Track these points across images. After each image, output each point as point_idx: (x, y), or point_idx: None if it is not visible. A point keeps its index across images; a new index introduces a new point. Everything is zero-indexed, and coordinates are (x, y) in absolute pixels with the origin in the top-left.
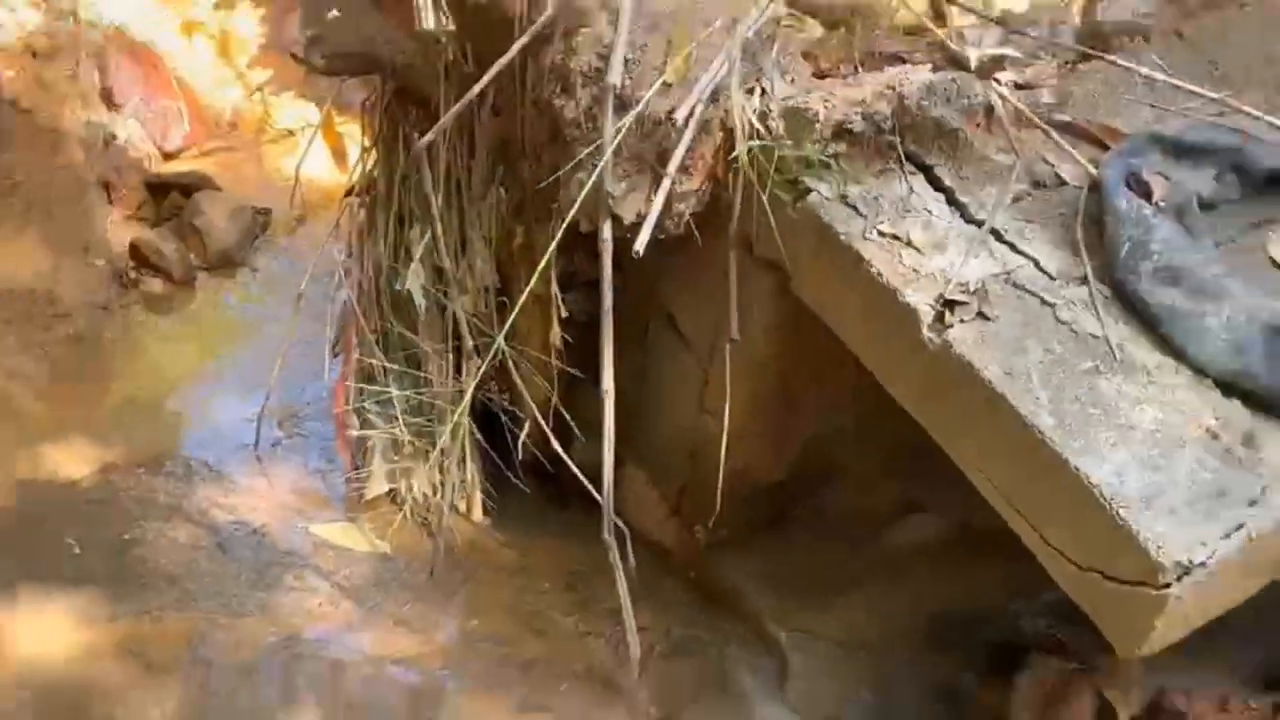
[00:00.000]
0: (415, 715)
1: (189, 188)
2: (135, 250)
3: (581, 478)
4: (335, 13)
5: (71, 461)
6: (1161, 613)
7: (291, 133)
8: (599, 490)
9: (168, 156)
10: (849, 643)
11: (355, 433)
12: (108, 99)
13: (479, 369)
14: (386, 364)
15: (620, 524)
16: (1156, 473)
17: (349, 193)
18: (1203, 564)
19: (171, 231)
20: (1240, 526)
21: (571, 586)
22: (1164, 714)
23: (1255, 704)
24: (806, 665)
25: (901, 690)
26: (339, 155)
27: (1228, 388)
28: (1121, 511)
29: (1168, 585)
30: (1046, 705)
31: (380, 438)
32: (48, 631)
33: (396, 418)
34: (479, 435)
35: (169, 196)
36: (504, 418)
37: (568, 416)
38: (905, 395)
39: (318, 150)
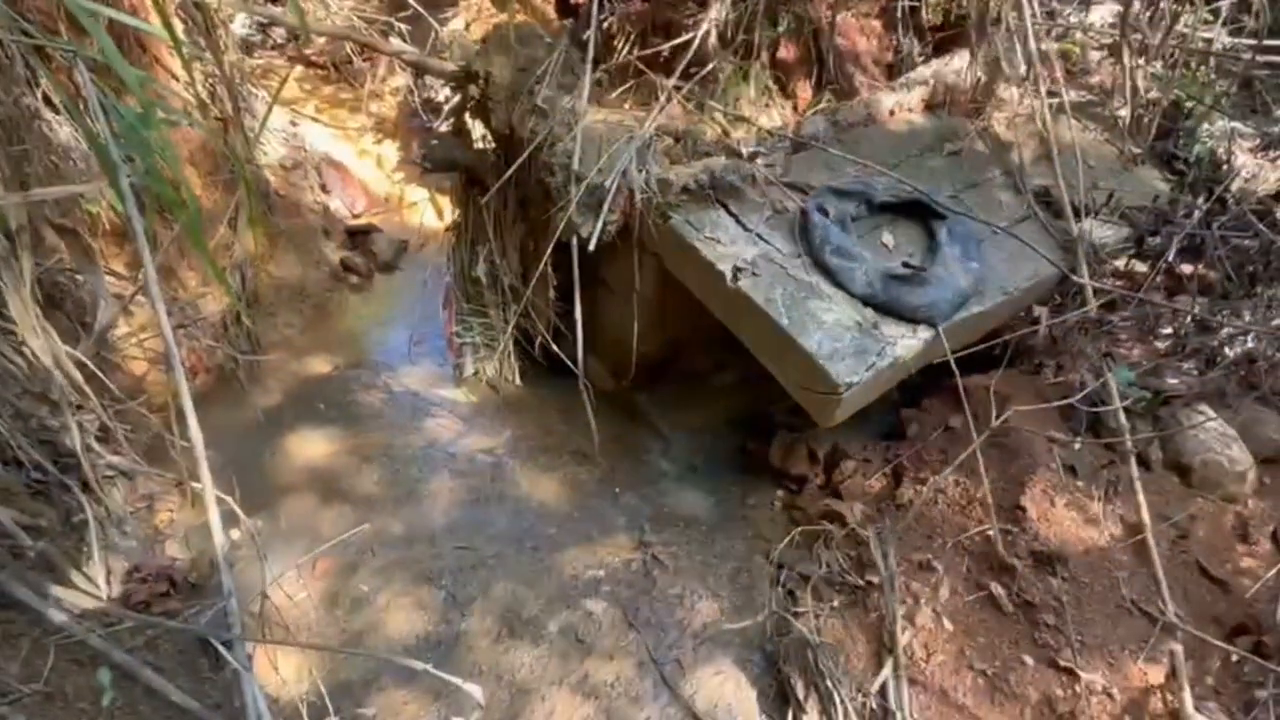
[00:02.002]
0: (494, 476)
1: (367, 231)
2: (343, 263)
3: (568, 361)
4: (434, 141)
5: (319, 365)
6: (839, 406)
7: (415, 203)
8: (577, 367)
9: (355, 217)
10: (696, 429)
11: (456, 343)
12: (323, 189)
13: (516, 311)
14: (469, 311)
15: (587, 383)
16: (835, 342)
17: (447, 229)
18: (856, 383)
19: (360, 253)
20: (871, 365)
21: (564, 412)
22: (838, 452)
23: (877, 446)
24: (676, 441)
25: (719, 450)
26: (439, 213)
27: (866, 303)
28: (820, 361)
29: (841, 393)
30: (785, 453)
31: (468, 347)
32: (313, 446)
33: (476, 336)
34: (521, 340)
35: (356, 235)
36: (530, 330)
37: (564, 330)
38: (719, 312)
39: (429, 210)
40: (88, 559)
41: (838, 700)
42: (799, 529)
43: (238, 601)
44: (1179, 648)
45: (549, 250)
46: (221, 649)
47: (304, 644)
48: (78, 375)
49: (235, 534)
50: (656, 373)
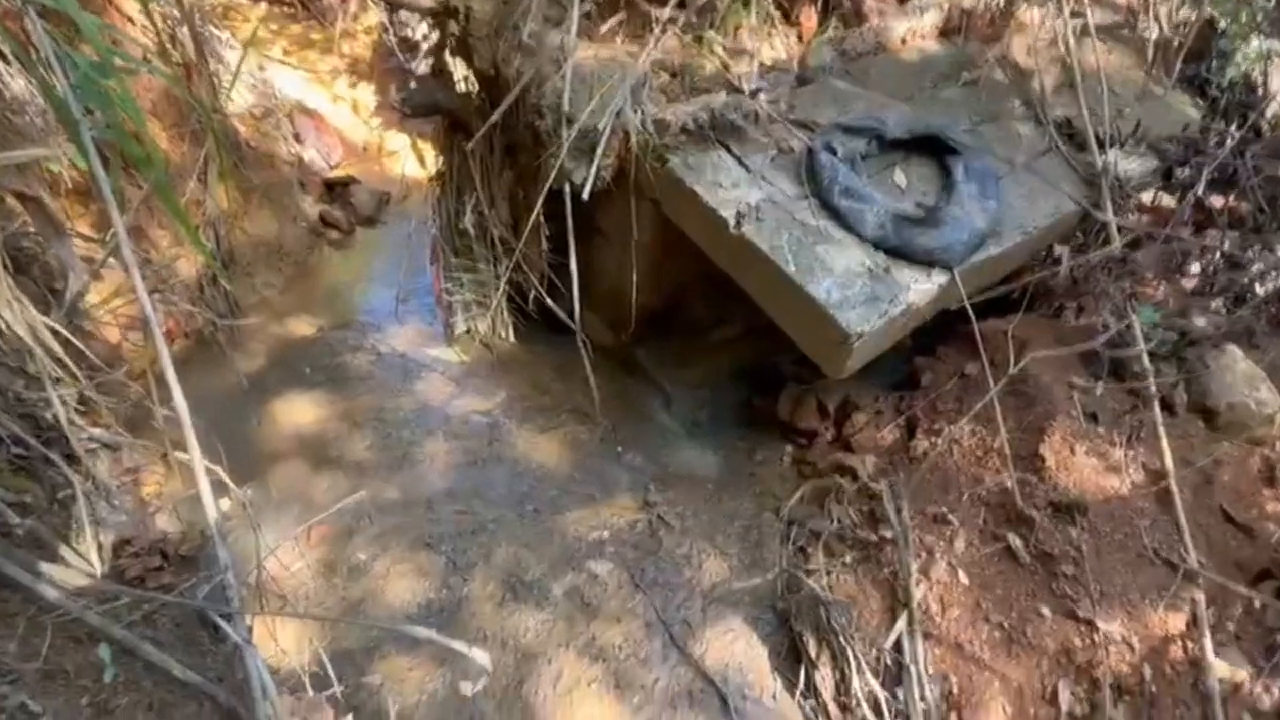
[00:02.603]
0: (490, 437)
1: (346, 183)
2: (322, 217)
3: (564, 316)
4: (413, 84)
5: (302, 327)
6: (850, 356)
7: (395, 151)
8: (573, 322)
9: (332, 168)
10: (700, 384)
11: (446, 299)
12: (297, 139)
13: (507, 265)
14: (458, 265)
15: (584, 338)
16: (845, 289)
17: (431, 179)
18: (868, 332)
19: (339, 206)
20: (883, 313)
21: (560, 370)
22: (849, 404)
23: (890, 397)
24: (679, 397)
25: (724, 405)
26: (422, 161)
27: (877, 246)
28: (829, 309)
29: (853, 343)
30: (793, 406)
31: (458, 303)
32: (300, 412)
33: (466, 292)
34: (514, 295)
35: (335, 188)
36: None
37: (558, 283)
38: (721, 260)
39: (410, 159)
40: (78, 534)
41: (851, 656)
42: (809, 484)
43: (234, 573)
44: (1200, 595)
45: (540, 199)
46: (221, 623)
47: (305, 614)
48: (55, 345)
49: (226, 504)
50: (657, 325)
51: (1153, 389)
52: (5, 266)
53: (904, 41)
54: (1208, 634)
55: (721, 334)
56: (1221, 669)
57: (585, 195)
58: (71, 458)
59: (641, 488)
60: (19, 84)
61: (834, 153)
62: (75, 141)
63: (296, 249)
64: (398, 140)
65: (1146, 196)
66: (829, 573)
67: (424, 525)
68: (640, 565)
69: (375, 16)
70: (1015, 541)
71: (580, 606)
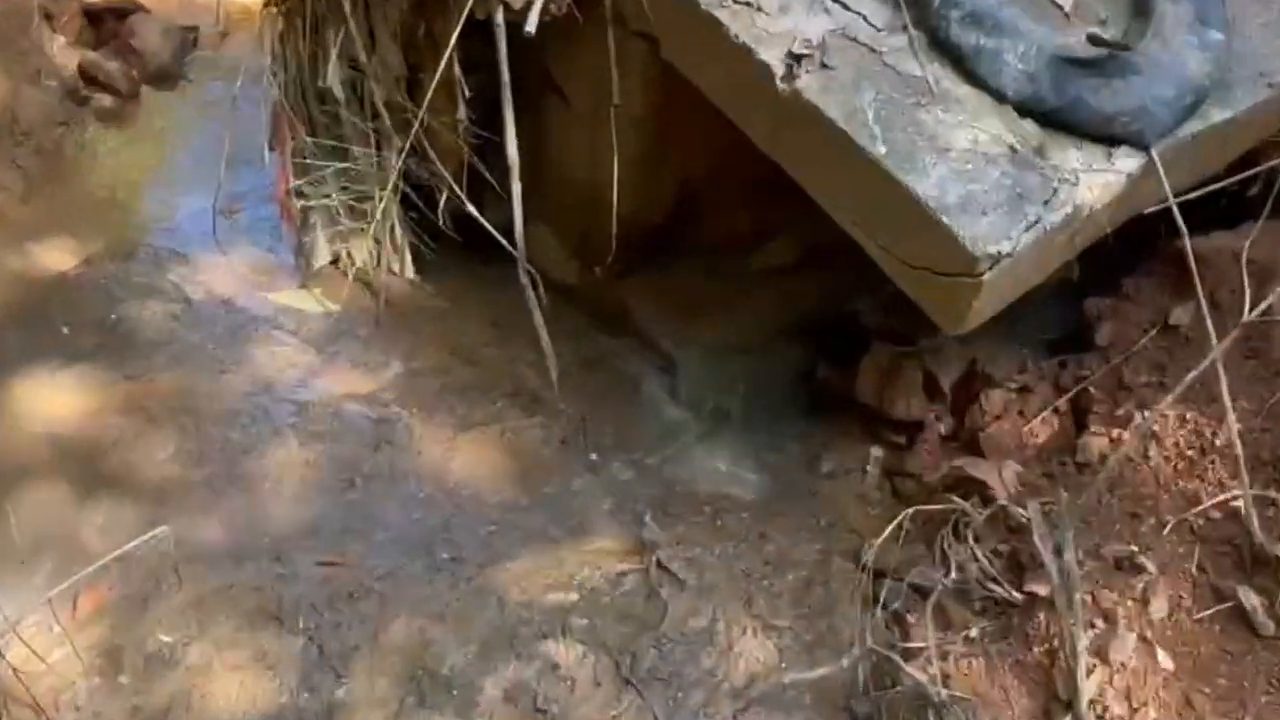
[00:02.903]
0: (375, 440)
1: (122, 12)
2: (83, 71)
3: (496, 234)
4: None
5: (56, 255)
6: (977, 296)
7: None
8: (512, 243)
9: None
10: (723, 347)
11: (298, 208)
12: None
13: (401, 148)
14: (317, 150)
15: (531, 270)
16: (970, 183)
17: (268, 4)
18: (1009, 254)
19: (113, 53)
20: (1037, 221)
21: (495, 324)
22: (977, 379)
23: (1044, 365)
24: (692, 368)
25: (768, 380)
26: None
27: (1022, 110)
28: (944, 218)
29: (982, 274)
30: (883, 381)
31: (320, 214)
32: (58, 399)
33: (331, 195)
34: (413, 198)
35: (105, 22)
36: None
37: (489, 178)
38: (761, 137)
39: None
40: None
41: None
42: (909, 510)
43: None
44: None
45: (454, 37)
46: None
47: None
48: None
49: None
50: (653, 249)
51: None
52: None
53: None
54: None
55: (762, 262)
56: None
57: (531, 28)
58: None
59: (631, 519)
60: None
61: None
62: None
63: (42, 126)
64: None
65: None
66: (944, 655)
67: (269, 585)
68: (629, 647)
69: None
70: (1251, 600)
71: (531, 717)
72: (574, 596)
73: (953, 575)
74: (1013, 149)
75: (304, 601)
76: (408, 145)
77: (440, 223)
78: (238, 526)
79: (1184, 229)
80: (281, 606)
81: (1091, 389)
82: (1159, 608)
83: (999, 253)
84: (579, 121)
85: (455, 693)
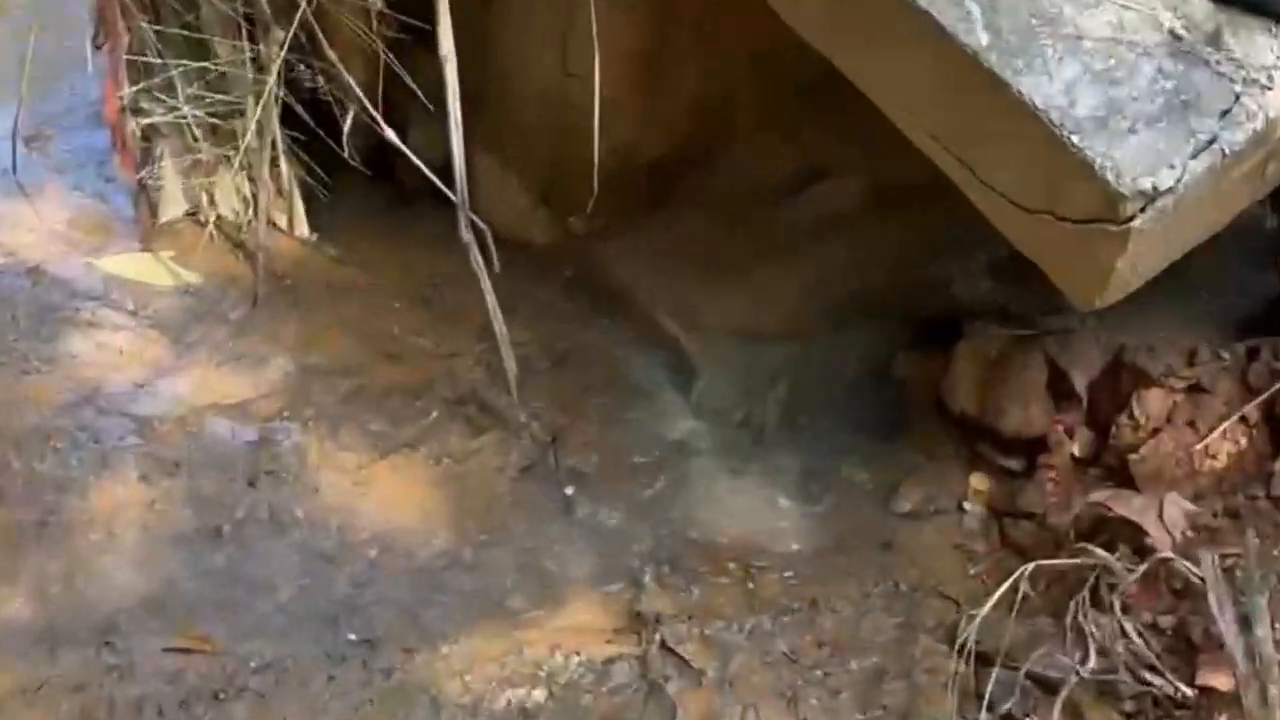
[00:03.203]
0: (252, 470)
1: None
2: None
3: (425, 169)
4: None
5: None
6: (1123, 252)
7: None
8: (449, 183)
9: None
10: (756, 332)
11: (135, 131)
12: None
13: (282, 41)
14: (163, 45)
15: (478, 221)
16: (1112, 87)
17: None
18: (1169, 189)
19: None
20: (1212, 141)
21: (427, 301)
22: (1125, 373)
23: (1225, 354)
24: (712, 363)
25: (820, 380)
26: None
27: None
28: (1073, 137)
29: (1130, 218)
30: (989, 377)
31: (169, 140)
32: None
33: (185, 116)
34: (303, 117)
35: None
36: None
37: (414, 88)
38: (812, 27)
39: None
40: None
41: None
42: (1026, 566)
43: None
44: None
45: None
46: None
47: None
48: None
49: None
50: (655, 195)
51: None
52: None
53: None
54: None
55: (810, 211)
56: None
57: None
58: None
59: (623, 581)
60: None
61: None
62: None
63: None
64: None
65: None
66: None
67: (96, 683)
68: None
69: None
70: None
71: None
72: (540, 695)
73: (1092, 662)
74: (1175, 36)
75: (147, 704)
76: (284, 41)
77: (346, 155)
78: (51, 598)
79: None
80: (114, 712)
81: None
82: None
83: (1155, 188)
84: (546, 7)
85: None
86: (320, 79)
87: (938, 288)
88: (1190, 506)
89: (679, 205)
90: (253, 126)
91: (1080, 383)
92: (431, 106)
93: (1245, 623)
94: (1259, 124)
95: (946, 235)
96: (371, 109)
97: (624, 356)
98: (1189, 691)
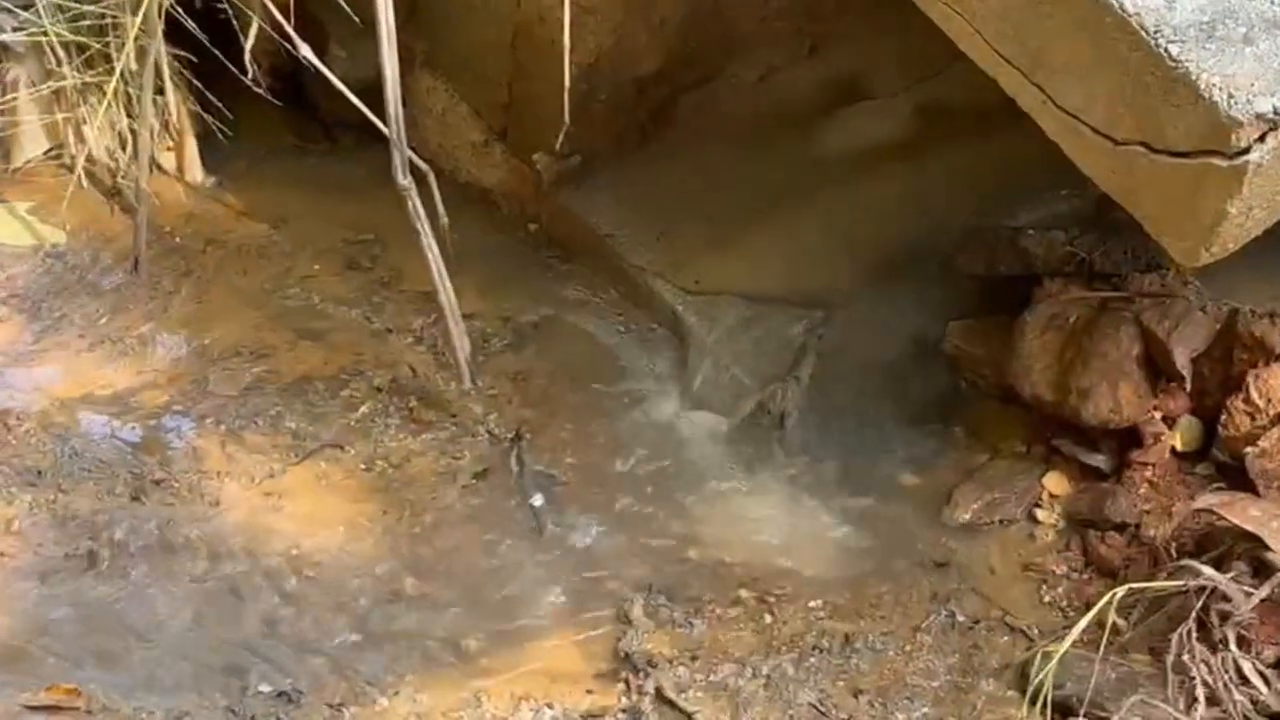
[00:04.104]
0: (135, 480)
1: None
2: None
3: (349, 95)
4: None
5: None
6: (1236, 192)
7: None
8: (380, 114)
9: None
10: (773, 297)
11: None
12: None
13: None
14: None
15: (418, 161)
16: None
17: None
18: None
19: None
20: None
21: (354, 263)
22: (1238, 347)
23: None
24: (715, 336)
25: (854, 355)
26: None
27: None
28: (1171, 48)
29: (1244, 150)
30: (1068, 353)
31: (24, 61)
32: None
33: (45, 32)
34: (196, 33)
35: None
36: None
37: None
38: None
39: None
40: None
41: None
42: (1116, 590)
43: None
44: None
45: None
46: None
47: None
48: None
49: None
50: (643, 123)
51: None
52: None
53: None
54: None
55: (841, 142)
56: None
57: None
58: None
59: (605, 614)
60: None
61: None
62: None
63: None
64: None
65: None
66: None
67: None
68: None
69: None
70: None
71: None
72: None
73: (1201, 711)
74: None
75: None
76: None
77: (249, 79)
78: None
79: None
80: None
81: None
82: None
83: (1276, 111)
84: None
85: None
86: None
87: (1002, 240)
88: None
89: (672, 138)
90: (130, 45)
91: (1183, 359)
92: (357, 18)
93: None
94: None
95: (1013, 174)
96: (281, 19)
97: (605, 331)
98: None
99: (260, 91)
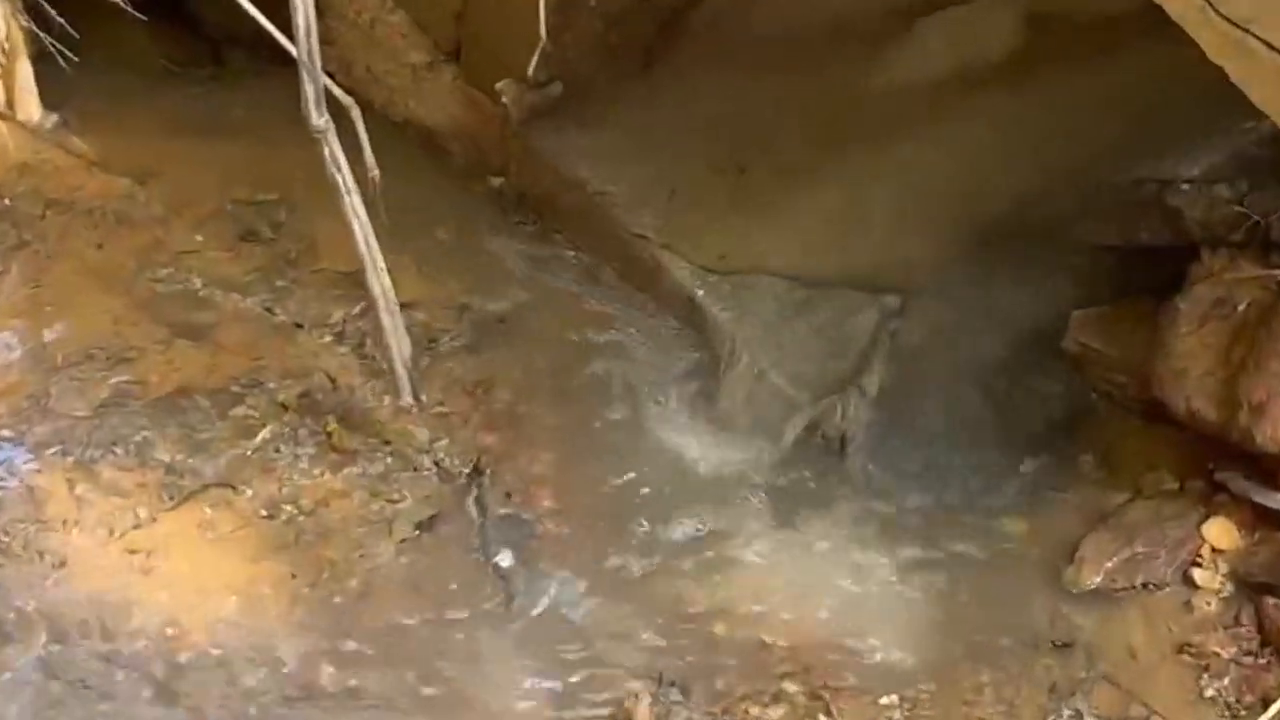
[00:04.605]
0: None
1: None
2: None
3: (244, 2)
4: None
5: None
6: None
7: None
8: (284, 27)
9: None
10: (827, 279)
11: None
12: None
13: None
14: None
15: (338, 91)
16: None
17: None
18: None
19: None
20: None
21: (250, 233)
22: None
23: None
24: (748, 332)
25: (939, 357)
26: None
27: None
28: None
29: None
30: (1237, 345)
31: None
32: None
33: None
34: None
35: None
36: None
37: None
38: None
39: None
40: None
41: None
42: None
43: None
44: None
45: None
46: None
47: None
48: None
49: None
50: (642, 43)
51: None
52: None
53: None
54: None
55: (924, 61)
56: None
57: None
58: None
59: (602, 710)
60: None
61: None
62: None
63: None
64: None
65: None
66: None
67: None
68: None
69: None
70: None
71: None
72: None
73: None
74: None
75: None
76: None
77: None
78: None
79: None
80: None
81: None
82: None
83: None
84: None
85: None
86: None
87: (1143, 198)
88: None
89: (687, 61)
90: None
91: None
92: None
93: None
94: None
95: (1156, 107)
96: None
97: (595, 325)
98: None
99: (119, 2)
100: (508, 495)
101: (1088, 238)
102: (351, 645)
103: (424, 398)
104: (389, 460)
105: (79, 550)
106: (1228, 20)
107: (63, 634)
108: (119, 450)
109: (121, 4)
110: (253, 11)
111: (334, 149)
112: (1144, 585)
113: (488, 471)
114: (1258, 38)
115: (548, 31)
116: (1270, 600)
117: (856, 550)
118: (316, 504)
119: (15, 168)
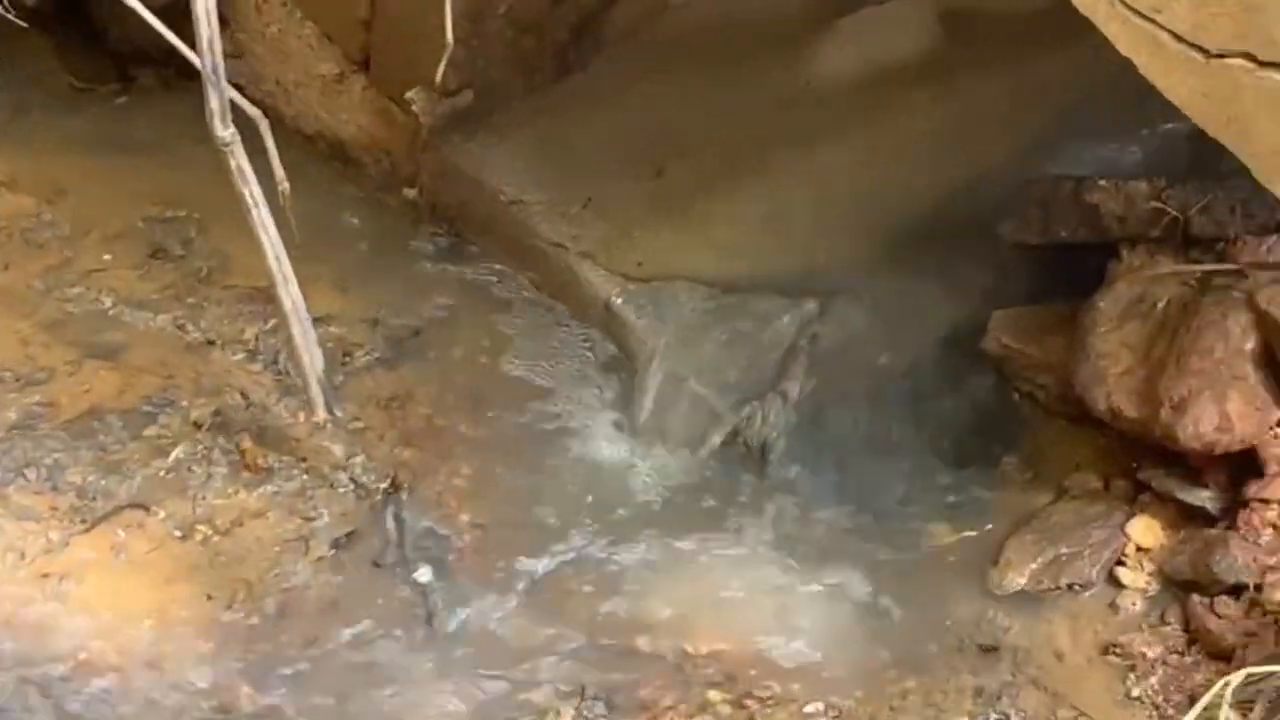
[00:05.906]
0: None
1: None
2: None
3: (149, 16)
4: None
5: None
6: None
7: None
8: (189, 41)
9: None
10: (745, 284)
11: None
12: None
13: None
14: None
15: (246, 104)
16: None
17: None
18: None
19: None
20: None
21: (160, 250)
22: None
23: None
24: (667, 339)
25: (862, 357)
26: None
27: None
28: None
29: None
30: (1157, 343)
31: None
32: None
33: None
34: None
35: None
36: None
37: None
38: None
39: None
40: None
41: None
42: (1232, 675)
43: None
44: None
45: None
46: None
47: None
48: None
49: None
50: (556, 46)
51: None
52: None
53: None
54: None
55: (843, 56)
56: None
57: None
58: None
59: None
60: None
61: None
62: None
63: None
64: None
65: None
66: None
67: None
68: None
69: None
70: None
71: None
72: None
73: None
74: None
75: None
76: None
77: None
78: None
79: None
80: None
81: None
82: None
83: None
84: None
85: None
86: None
87: (1061, 195)
88: None
89: (603, 66)
90: None
91: None
92: None
93: None
94: None
95: (1073, 104)
96: None
97: (512, 336)
98: None
99: (14, 19)
100: (426, 510)
101: (1008, 237)
102: (269, 666)
103: (339, 413)
104: (304, 477)
105: None
106: (1134, 11)
107: None
108: (30, 474)
109: (19, 22)
110: (155, 24)
111: (240, 162)
112: (1069, 586)
113: (405, 486)
114: (1165, 29)
115: (456, 38)
116: (1196, 598)
117: (780, 558)
118: (231, 524)
119: None
